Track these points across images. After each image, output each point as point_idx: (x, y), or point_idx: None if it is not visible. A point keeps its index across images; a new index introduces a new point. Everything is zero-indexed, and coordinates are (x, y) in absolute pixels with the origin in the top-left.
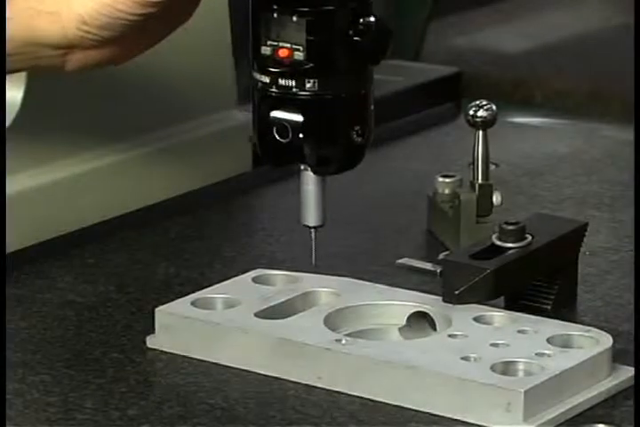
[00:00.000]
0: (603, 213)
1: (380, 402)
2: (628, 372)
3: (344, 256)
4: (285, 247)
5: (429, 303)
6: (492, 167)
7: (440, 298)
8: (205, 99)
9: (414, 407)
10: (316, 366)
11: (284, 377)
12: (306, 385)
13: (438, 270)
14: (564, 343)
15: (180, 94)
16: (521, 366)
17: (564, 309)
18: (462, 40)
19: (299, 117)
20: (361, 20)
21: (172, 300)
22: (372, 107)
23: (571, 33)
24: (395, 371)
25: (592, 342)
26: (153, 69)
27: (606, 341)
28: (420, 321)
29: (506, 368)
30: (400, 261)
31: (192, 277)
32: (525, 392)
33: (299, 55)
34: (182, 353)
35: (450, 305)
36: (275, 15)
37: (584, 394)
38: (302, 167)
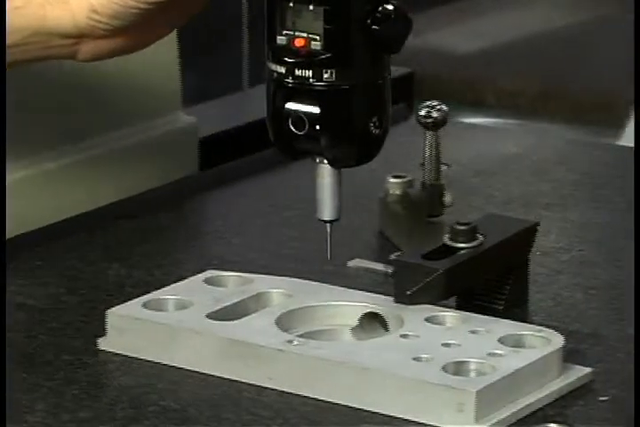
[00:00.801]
0: (553, 213)
1: (333, 403)
2: (579, 371)
3: (296, 257)
4: (237, 249)
5: (381, 304)
6: (444, 168)
7: (392, 299)
8: (151, 102)
9: (366, 408)
10: (268, 367)
11: (237, 379)
12: (258, 386)
13: (390, 271)
14: (516, 343)
15: (127, 97)
16: (473, 367)
17: (516, 309)
18: (415, 41)
19: (315, 109)
20: (379, 8)
21: (124, 302)
22: (390, 97)
23: (522, 34)
24: (347, 372)
25: (543, 341)
26: (99, 72)
27: (557, 340)
28: (372, 322)
29: (458, 368)
30: (352, 262)
31: (144, 278)
32: (477, 392)
33: (316, 45)
34: (134, 355)
35: (402, 306)
36: (290, 4)
37: (536, 394)
38: (317, 160)
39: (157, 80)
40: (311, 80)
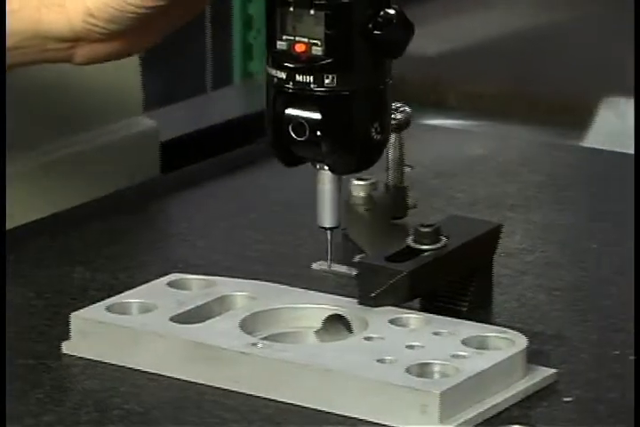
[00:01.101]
0: (517, 214)
1: (297, 405)
2: (543, 372)
3: (260, 260)
4: (201, 252)
5: (345, 306)
6: (407, 170)
7: (356, 301)
8: (112, 106)
9: (331, 410)
10: (232, 370)
11: (201, 381)
12: (222, 389)
13: (354, 273)
14: (480, 345)
15: (87, 101)
16: (437, 368)
17: (480, 310)
18: None
19: (316, 115)
20: (381, 13)
21: (88, 305)
22: (391, 102)
23: (485, 36)
24: (311, 374)
25: (507, 343)
26: (60, 76)
27: (521, 342)
28: (336, 324)
29: (422, 370)
30: (316, 264)
31: (107, 281)
32: (441, 394)
33: (317, 50)
34: (98, 358)
35: (366, 308)
36: (291, 8)
37: (500, 395)
38: (317, 166)
39: (118, 84)
40: (312, 86)
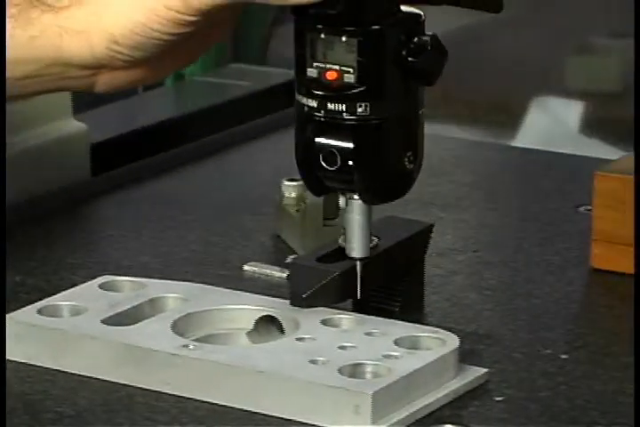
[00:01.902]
0: (449, 214)
1: (229, 407)
2: (475, 372)
3: (191, 261)
4: (132, 254)
5: (277, 307)
6: None
7: (288, 302)
8: (41, 108)
9: (264, 412)
10: (163, 372)
11: (132, 384)
12: (154, 391)
13: (286, 274)
14: (412, 345)
15: (16, 104)
16: (369, 369)
17: (412, 310)
18: None
19: (348, 144)
20: (414, 39)
21: (19, 308)
22: (423, 130)
23: None
24: (243, 375)
25: (439, 342)
26: None
27: (453, 341)
28: (268, 325)
29: (354, 371)
30: (248, 265)
31: (38, 284)
32: (373, 394)
33: (349, 77)
34: (29, 362)
35: (297, 309)
36: (322, 35)
37: (432, 395)
38: (347, 196)
39: None
40: (344, 114)
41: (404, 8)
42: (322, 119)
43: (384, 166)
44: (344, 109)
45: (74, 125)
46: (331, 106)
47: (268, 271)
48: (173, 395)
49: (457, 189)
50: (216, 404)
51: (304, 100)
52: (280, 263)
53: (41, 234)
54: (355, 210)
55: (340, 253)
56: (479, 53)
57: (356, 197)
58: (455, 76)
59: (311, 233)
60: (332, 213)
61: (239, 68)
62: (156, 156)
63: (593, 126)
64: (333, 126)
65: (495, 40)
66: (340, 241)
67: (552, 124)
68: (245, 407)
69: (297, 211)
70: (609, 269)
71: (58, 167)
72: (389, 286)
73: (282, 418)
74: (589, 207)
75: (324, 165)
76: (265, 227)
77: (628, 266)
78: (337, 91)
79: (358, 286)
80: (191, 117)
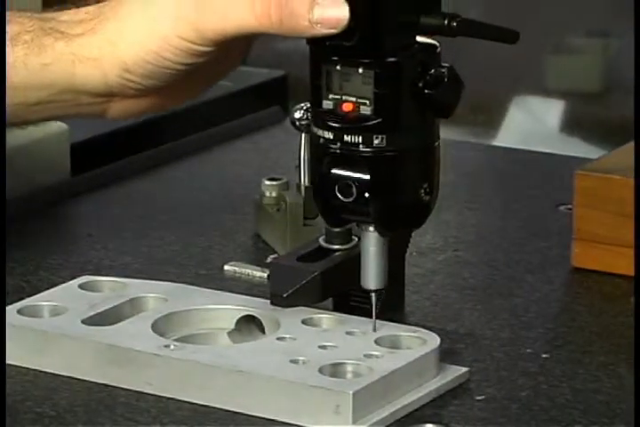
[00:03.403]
0: None
1: (211, 407)
2: (455, 371)
3: (172, 261)
4: (112, 254)
5: (258, 307)
6: None
7: (268, 301)
8: None
9: (245, 411)
10: (144, 372)
11: (113, 384)
12: (135, 392)
13: (266, 274)
14: (392, 344)
15: None
16: (349, 368)
17: (392, 310)
18: (288, 43)
19: (364, 175)
20: (431, 71)
21: None
22: (439, 161)
23: None
24: (224, 375)
25: (420, 342)
26: None
27: (433, 341)
28: (249, 325)
29: (334, 370)
30: (228, 265)
31: (18, 285)
32: (354, 394)
33: (365, 109)
34: (9, 362)
35: (278, 308)
36: (338, 67)
37: (413, 394)
38: (363, 227)
39: None
40: (360, 146)
41: (419, 39)
42: (338, 151)
43: (400, 198)
44: (360, 141)
45: (55, 125)
46: (347, 138)
47: (248, 271)
48: (154, 395)
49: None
50: (197, 404)
51: (320, 132)
52: (260, 263)
53: (20, 233)
54: (370, 242)
55: (321, 253)
56: (458, 54)
57: (371, 228)
58: None
59: (291, 232)
60: (312, 213)
61: None
62: (136, 155)
63: (573, 126)
64: (349, 158)
65: (474, 40)
66: (320, 240)
67: (532, 123)
68: (227, 407)
69: (277, 210)
70: (589, 268)
71: (38, 167)
72: None
73: (263, 418)
74: (570, 206)
75: (340, 196)
76: (245, 227)
77: (608, 265)
78: (353, 122)
79: (374, 317)
80: (171, 117)
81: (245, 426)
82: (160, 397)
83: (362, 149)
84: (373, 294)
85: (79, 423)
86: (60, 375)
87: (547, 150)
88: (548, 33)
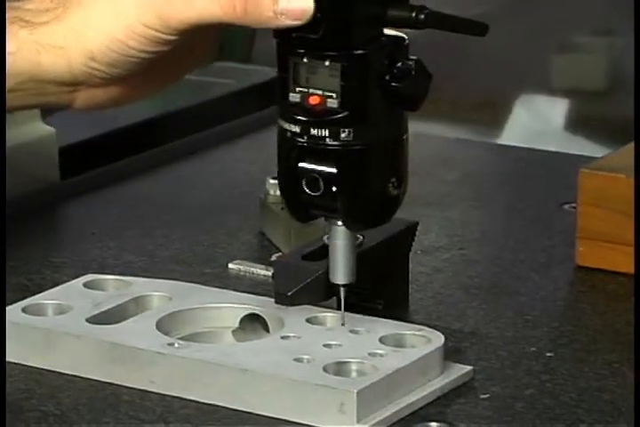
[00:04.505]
0: (433, 211)
1: (215, 405)
2: (459, 370)
3: (176, 260)
4: (116, 252)
5: (262, 305)
6: None
7: (273, 300)
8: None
9: (249, 410)
10: (149, 370)
11: (118, 382)
12: (139, 390)
13: (270, 272)
14: (397, 343)
15: None
16: (354, 367)
17: (396, 308)
18: None
19: (332, 169)
20: (398, 64)
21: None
22: (408, 155)
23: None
24: (228, 374)
25: (424, 340)
26: None
27: (438, 339)
28: (253, 323)
29: (339, 369)
30: (232, 263)
31: (22, 283)
32: (358, 392)
33: (332, 102)
34: (14, 360)
35: (282, 307)
36: (305, 59)
37: (417, 393)
38: (331, 221)
39: None
40: (327, 140)
41: (387, 31)
42: (305, 144)
43: (368, 192)
44: (327, 135)
45: (43, 129)
46: (314, 131)
47: (252, 269)
48: (159, 393)
49: (442, 187)
50: (201, 402)
51: (286, 126)
52: (265, 261)
53: (24, 232)
54: (338, 236)
55: (325, 251)
56: (464, 52)
57: (339, 222)
58: (440, 75)
59: (296, 231)
60: None
61: (222, 66)
62: (139, 154)
63: (578, 124)
64: (316, 152)
65: (479, 39)
66: (324, 239)
67: (537, 122)
68: (231, 406)
69: (282, 209)
70: (594, 266)
71: (26, 171)
72: (374, 284)
73: (267, 416)
74: (574, 205)
75: (308, 190)
76: (250, 225)
77: (612, 263)
78: (320, 116)
79: (342, 311)
80: (175, 115)
81: (249, 425)
82: (164, 395)
83: (329, 143)
84: (342, 289)
85: (83, 422)
86: (64, 374)
87: (551, 149)
88: (554, 31)
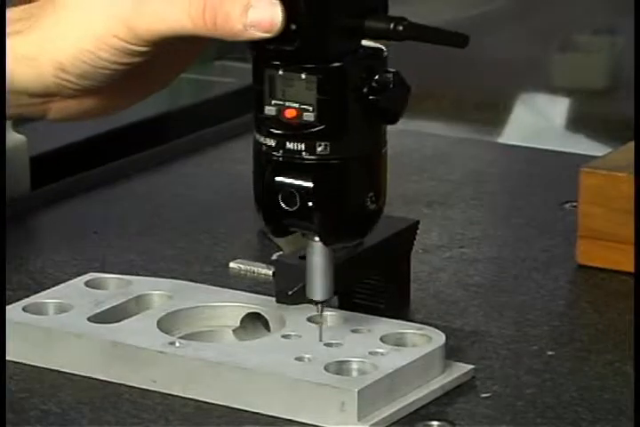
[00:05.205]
0: (434, 210)
1: (215, 404)
2: (461, 369)
3: (177, 259)
4: (117, 251)
5: (263, 304)
6: None
7: (274, 299)
8: None
9: (250, 409)
10: (150, 369)
11: (119, 381)
12: (140, 389)
13: (271, 271)
14: (398, 342)
15: None
16: (355, 366)
17: (397, 307)
18: None
19: (308, 184)
20: (376, 77)
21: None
22: (386, 169)
23: None
24: (229, 373)
25: (425, 339)
26: None
27: (439, 338)
28: (254, 323)
29: (340, 368)
30: (233, 262)
31: (23, 282)
32: (359, 391)
33: (308, 116)
34: (15, 359)
35: (283, 306)
36: (280, 72)
37: (418, 392)
38: (308, 237)
39: None
40: (303, 154)
41: (365, 42)
42: (280, 159)
43: (345, 207)
44: (303, 149)
45: (14, 138)
46: (289, 145)
47: (253, 268)
48: (159, 392)
49: (443, 185)
50: (202, 401)
51: (262, 139)
52: (266, 260)
53: (26, 231)
54: (315, 252)
55: None
56: (464, 51)
57: (316, 238)
58: (441, 74)
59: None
60: None
61: (223, 64)
62: (141, 153)
63: (578, 123)
64: (292, 166)
65: (480, 37)
66: None
67: (537, 120)
68: (232, 405)
69: None
70: (595, 265)
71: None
72: (375, 283)
73: (268, 415)
74: (575, 204)
75: (283, 205)
76: (250, 224)
77: (613, 262)
78: (296, 129)
79: (321, 327)
80: (176, 115)
81: (250, 424)
82: (165, 394)
83: (305, 157)
84: (319, 305)
85: (84, 421)
86: (65, 373)
87: (552, 148)
88: (555, 30)
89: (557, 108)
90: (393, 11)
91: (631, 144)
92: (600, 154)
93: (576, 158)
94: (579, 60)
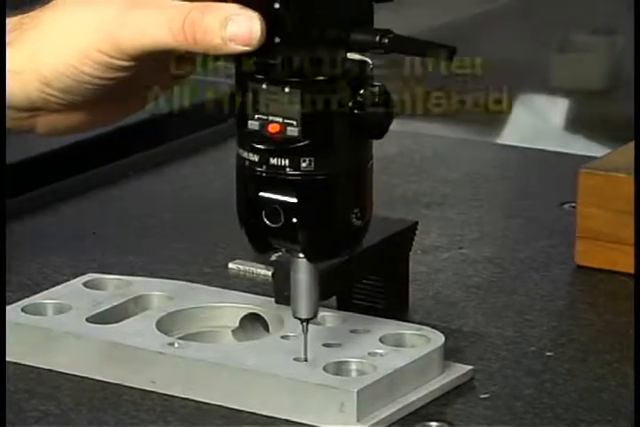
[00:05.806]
0: (433, 211)
1: (215, 405)
2: (459, 369)
3: (176, 260)
4: (116, 252)
5: (262, 305)
6: None
7: (273, 300)
8: None
9: (249, 410)
10: (149, 370)
11: (118, 382)
12: (140, 390)
13: (270, 272)
14: (397, 342)
15: None
16: (354, 366)
17: (396, 308)
18: None
19: (292, 200)
20: (361, 91)
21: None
22: (372, 184)
23: (399, 31)
24: (228, 373)
25: (424, 340)
26: None
27: (438, 339)
28: (253, 323)
29: (339, 368)
30: (232, 263)
31: (22, 282)
32: (358, 392)
33: (292, 130)
34: (14, 360)
35: (282, 306)
36: (264, 86)
37: (417, 392)
38: (292, 254)
39: None
40: (287, 169)
41: (350, 55)
42: (264, 174)
43: (330, 224)
44: (287, 164)
45: None
46: (273, 160)
47: (252, 269)
48: (159, 393)
49: (441, 186)
50: (201, 402)
51: (245, 154)
52: (265, 261)
53: (25, 232)
54: (300, 269)
55: None
56: (463, 51)
57: (301, 255)
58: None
59: None
60: None
61: (222, 65)
62: (140, 154)
63: (578, 124)
64: (276, 182)
65: (479, 38)
66: None
67: (537, 121)
68: (231, 405)
69: None
70: (593, 266)
71: None
72: (374, 284)
73: (267, 416)
74: (574, 204)
75: (267, 222)
76: None
77: (612, 263)
78: (279, 144)
79: (306, 345)
80: (177, 114)
81: (249, 424)
82: (164, 395)
83: (289, 173)
84: (304, 324)
85: (83, 421)
86: (64, 373)
87: (551, 148)
88: (554, 31)
89: (557, 108)
90: (390, 14)
91: (631, 145)
92: (599, 154)
93: (575, 159)
94: (578, 60)
